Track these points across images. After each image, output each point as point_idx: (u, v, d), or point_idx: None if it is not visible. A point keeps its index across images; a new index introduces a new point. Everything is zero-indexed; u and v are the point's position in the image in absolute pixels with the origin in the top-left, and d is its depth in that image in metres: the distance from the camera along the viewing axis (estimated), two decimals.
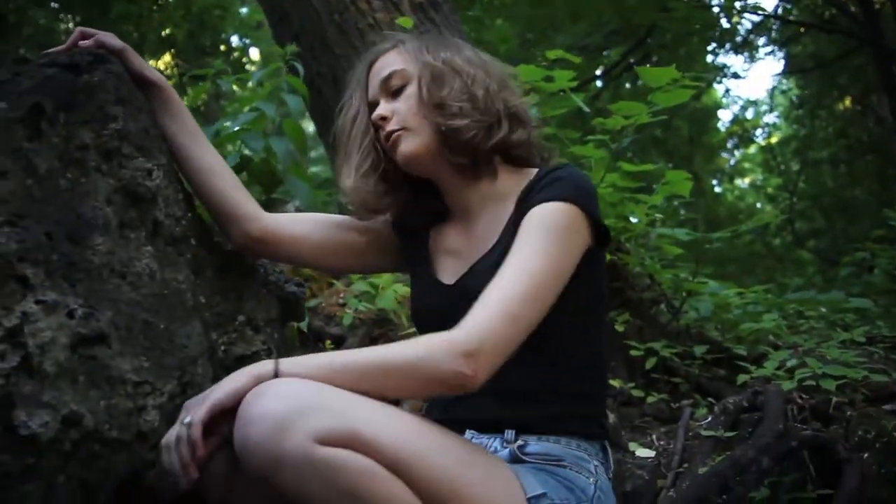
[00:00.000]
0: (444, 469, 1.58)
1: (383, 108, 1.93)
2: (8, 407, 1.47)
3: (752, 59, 20.02)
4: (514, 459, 1.76)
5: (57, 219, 1.61)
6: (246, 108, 3.48)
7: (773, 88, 19.75)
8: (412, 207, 2.05)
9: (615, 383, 3.41)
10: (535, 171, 1.93)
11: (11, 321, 1.51)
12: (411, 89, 1.92)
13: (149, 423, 1.64)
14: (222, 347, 1.94)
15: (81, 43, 1.84)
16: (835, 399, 2.90)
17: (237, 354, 1.97)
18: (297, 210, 3.55)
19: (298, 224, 2.07)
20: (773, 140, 20.55)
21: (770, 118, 21.50)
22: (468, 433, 1.83)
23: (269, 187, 3.37)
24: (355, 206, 2.01)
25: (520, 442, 1.78)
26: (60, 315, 1.55)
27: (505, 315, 1.64)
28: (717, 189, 21.05)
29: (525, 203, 1.82)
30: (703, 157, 18.55)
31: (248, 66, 12.96)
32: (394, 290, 3.21)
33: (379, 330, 3.40)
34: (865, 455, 2.60)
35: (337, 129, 2.03)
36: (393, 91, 1.94)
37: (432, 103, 1.89)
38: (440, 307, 1.89)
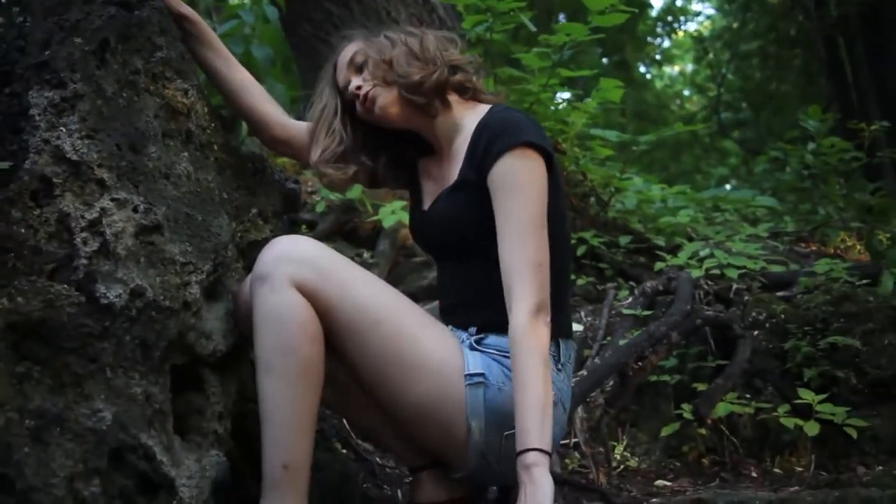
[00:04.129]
0: (392, 338, 2.11)
1: (355, 81, 2.31)
2: (91, 281, 1.88)
3: None
4: (472, 348, 2.18)
5: (122, 132, 2.01)
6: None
7: None
8: (391, 166, 2.45)
9: None
10: (488, 107, 2.30)
11: (93, 214, 1.92)
12: (371, 60, 2.30)
13: (192, 295, 2.06)
14: (238, 234, 2.36)
15: None
16: (735, 286, 3.41)
17: (250, 240, 2.40)
18: None
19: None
20: (704, 28, 20.85)
21: (701, 7, 21.70)
22: (449, 327, 2.28)
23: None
24: (326, 179, 2.42)
25: (480, 336, 2.19)
26: (128, 210, 1.96)
27: (530, 269, 2.06)
28: (646, 75, 21.30)
29: (481, 142, 2.19)
30: (633, 46, 18.81)
31: None
32: None
33: (345, 217, 3.83)
34: (756, 333, 3.12)
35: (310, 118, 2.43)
36: (357, 67, 2.32)
37: (385, 64, 2.27)
38: (421, 230, 2.41)
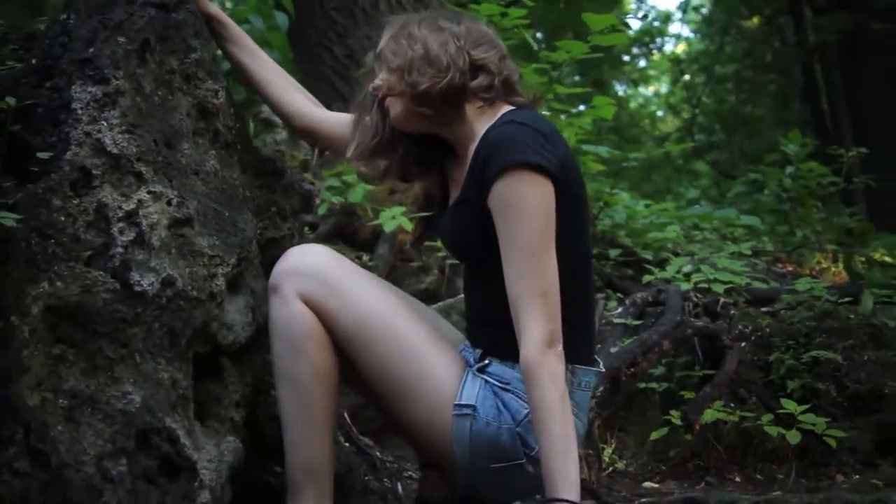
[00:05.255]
0: (386, 356, 2.14)
1: (377, 80, 2.26)
2: (126, 269, 1.97)
3: None
4: (474, 374, 2.14)
5: (158, 129, 2.11)
6: None
7: (686, 2, 20.16)
8: (420, 159, 2.35)
9: None
10: (503, 112, 2.18)
11: (130, 206, 2.01)
12: (385, 64, 2.23)
13: (218, 286, 2.15)
14: (258, 231, 2.46)
15: None
16: (722, 300, 3.54)
17: (269, 237, 2.50)
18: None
19: (343, 126, 2.41)
20: (680, 49, 21.03)
21: (678, 28, 21.88)
22: (461, 344, 2.25)
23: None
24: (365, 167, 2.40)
25: (486, 361, 2.14)
26: (162, 203, 2.06)
27: (536, 299, 1.98)
28: (621, 93, 21.37)
29: (479, 158, 2.10)
30: (610, 65, 18.93)
31: None
32: (363, 186, 3.73)
33: (346, 220, 3.93)
34: (742, 345, 3.25)
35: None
36: (383, 66, 2.25)
37: (397, 71, 2.19)
38: (441, 233, 2.38)
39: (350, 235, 4.02)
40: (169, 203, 2.07)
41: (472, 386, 2.11)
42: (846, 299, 3.55)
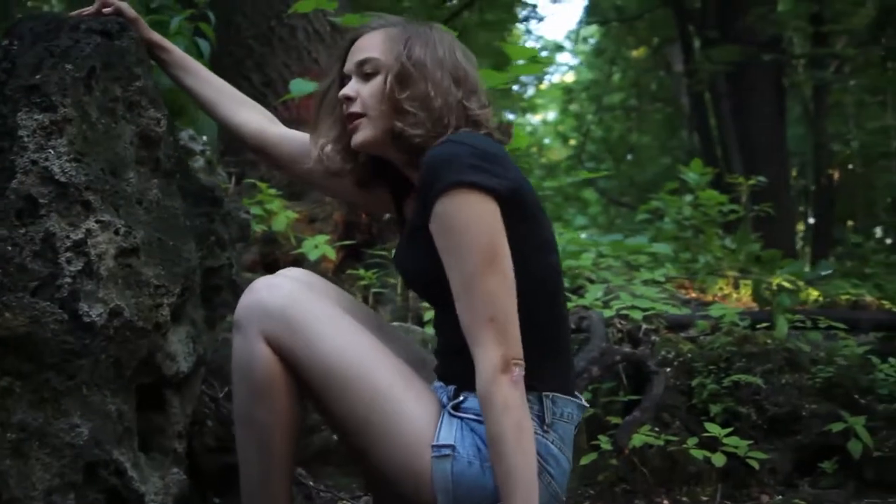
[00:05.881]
0: (358, 401, 1.97)
1: (351, 87, 2.08)
2: (74, 300, 1.94)
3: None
4: (450, 413, 1.98)
5: (105, 157, 2.08)
6: None
7: (577, 32, 20.58)
8: (378, 176, 2.26)
9: None
10: None
11: (78, 235, 1.97)
12: (379, 80, 2.05)
13: (163, 316, 2.12)
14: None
15: (104, 10, 2.27)
16: (644, 326, 3.61)
17: (207, 266, 2.47)
18: (192, 138, 3.99)
19: (294, 143, 2.36)
20: (568, 79, 21.45)
21: (567, 58, 22.36)
22: (436, 383, 2.09)
23: (174, 115, 3.80)
24: (322, 168, 2.24)
25: (460, 398, 1.99)
26: (110, 232, 2.02)
27: (484, 325, 1.87)
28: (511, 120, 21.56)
29: (423, 183, 1.95)
30: (500, 93, 19.10)
31: None
32: (286, 215, 3.71)
33: (267, 248, 3.91)
34: (668, 370, 3.32)
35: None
36: (365, 74, 2.07)
37: (391, 102, 2.02)
38: (397, 264, 2.23)
39: (272, 265, 3.99)
40: (116, 232, 2.04)
41: (448, 426, 1.97)
42: (763, 325, 3.66)
